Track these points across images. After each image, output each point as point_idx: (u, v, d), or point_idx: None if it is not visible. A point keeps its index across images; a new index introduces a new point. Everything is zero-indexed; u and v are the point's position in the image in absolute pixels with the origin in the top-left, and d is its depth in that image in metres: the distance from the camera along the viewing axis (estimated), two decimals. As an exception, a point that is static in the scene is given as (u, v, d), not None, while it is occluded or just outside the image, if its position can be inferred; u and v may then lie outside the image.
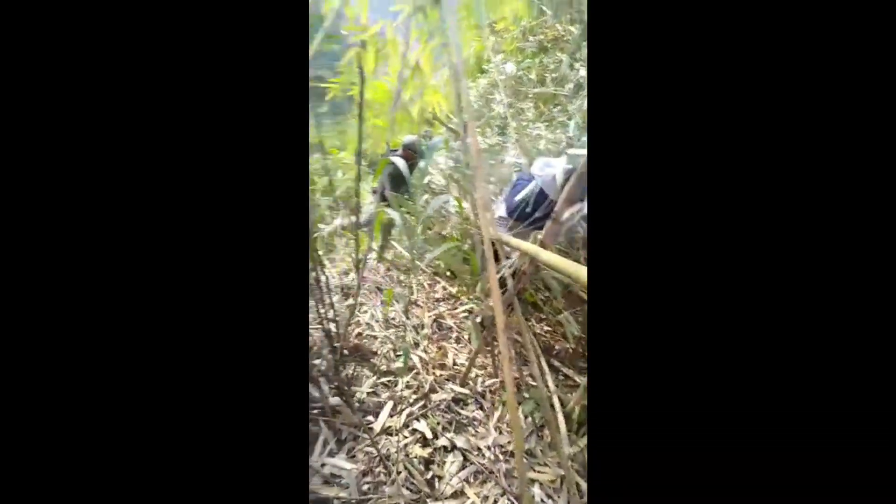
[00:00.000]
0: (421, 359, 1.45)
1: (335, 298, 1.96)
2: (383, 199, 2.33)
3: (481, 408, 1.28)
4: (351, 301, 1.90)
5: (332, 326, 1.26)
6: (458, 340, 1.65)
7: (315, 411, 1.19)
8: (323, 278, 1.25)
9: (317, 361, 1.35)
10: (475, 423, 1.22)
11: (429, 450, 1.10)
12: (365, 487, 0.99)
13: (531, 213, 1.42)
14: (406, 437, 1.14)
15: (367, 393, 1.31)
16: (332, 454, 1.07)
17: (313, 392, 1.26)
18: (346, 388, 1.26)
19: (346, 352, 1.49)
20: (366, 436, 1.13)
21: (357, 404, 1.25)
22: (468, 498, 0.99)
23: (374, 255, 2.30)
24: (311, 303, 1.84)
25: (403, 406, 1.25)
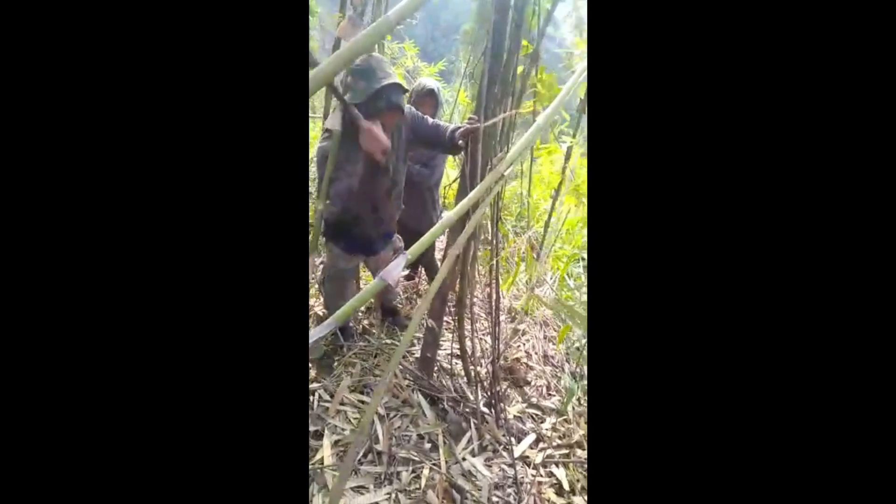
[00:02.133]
0: (574, 409, 1.41)
1: (502, 318, 2.09)
2: None
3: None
4: (517, 325, 2.00)
5: (495, 342, 1.37)
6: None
7: (468, 410, 1.32)
8: (494, 296, 1.37)
9: (480, 369, 1.48)
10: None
11: (563, 501, 1.07)
12: (494, 499, 1.04)
13: None
14: (542, 477, 1.14)
15: (514, 416, 1.37)
16: (472, 454, 1.18)
17: (469, 394, 1.40)
18: (495, 402, 1.35)
19: (501, 371, 1.59)
20: (505, 454, 1.18)
21: (502, 421, 1.32)
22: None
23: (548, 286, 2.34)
24: (482, 315, 2.01)
25: (546, 446, 1.25)
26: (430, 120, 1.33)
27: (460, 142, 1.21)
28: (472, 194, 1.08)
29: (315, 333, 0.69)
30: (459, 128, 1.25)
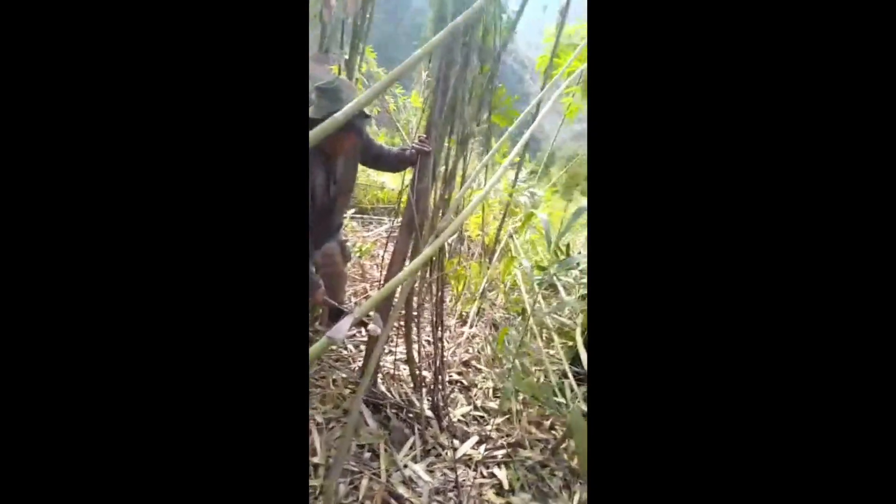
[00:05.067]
0: (518, 411, 1.44)
1: (452, 322, 2.10)
2: None
3: (567, 485, 1.19)
4: (466, 329, 2.01)
5: (440, 348, 1.37)
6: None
7: (410, 416, 1.30)
8: (438, 300, 1.38)
9: (426, 374, 1.48)
10: (557, 497, 1.15)
11: (503, 501, 1.08)
12: (434, 505, 1.04)
13: None
14: (483, 478, 1.15)
15: (458, 419, 1.37)
16: (414, 460, 1.16)
17: (414, 399, 1.39)
18: (440, 405, 1.35)
19: (448, 375, 1.59)
20: (447, 456, 1.18)
21: (445, 424, 1.32)
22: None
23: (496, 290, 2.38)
24: (430, 321, 2.01)
25: (488, 446, 1.26)
26: (378, 142, 1.51)
27: (408, 152, 1.35)
28: (410, 265, 1.09)
29: None
30: (405, 149, 1.38)
